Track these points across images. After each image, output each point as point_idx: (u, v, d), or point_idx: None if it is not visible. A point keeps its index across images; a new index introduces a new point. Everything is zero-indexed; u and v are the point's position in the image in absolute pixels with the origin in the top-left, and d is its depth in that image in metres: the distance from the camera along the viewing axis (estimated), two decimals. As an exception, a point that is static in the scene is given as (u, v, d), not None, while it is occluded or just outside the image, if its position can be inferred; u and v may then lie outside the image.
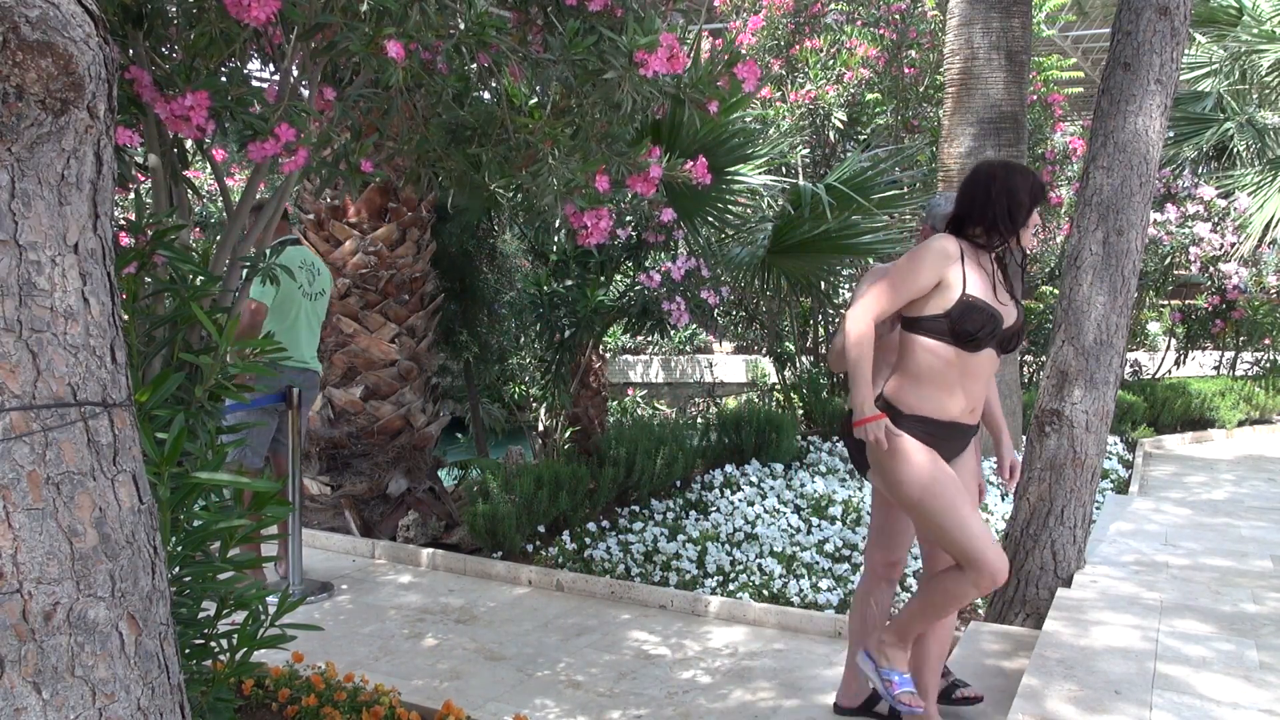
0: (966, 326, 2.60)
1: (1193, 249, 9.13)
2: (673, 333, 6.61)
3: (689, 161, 2.59)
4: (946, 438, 2.68)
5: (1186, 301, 9.88)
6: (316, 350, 4.63)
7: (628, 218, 5.24)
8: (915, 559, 4.74)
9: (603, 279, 5.34)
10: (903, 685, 2.73)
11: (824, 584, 4.38)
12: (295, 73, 2.27)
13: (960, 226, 2.72)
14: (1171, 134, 9.54)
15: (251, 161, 2.06)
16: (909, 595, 4.13)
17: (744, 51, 7.62)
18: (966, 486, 2.77)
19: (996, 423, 3.02)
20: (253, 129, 1.98)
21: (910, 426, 2.64)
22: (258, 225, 2.39)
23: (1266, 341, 9.70)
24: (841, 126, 7.71)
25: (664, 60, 2.17)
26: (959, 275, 2.62)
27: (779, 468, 5.92)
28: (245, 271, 2.35)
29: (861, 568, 4.58)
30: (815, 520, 5.19)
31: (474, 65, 2.33)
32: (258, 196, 2.52)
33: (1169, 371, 9.88)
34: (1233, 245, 9.13)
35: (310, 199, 5.58)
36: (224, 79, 2.06)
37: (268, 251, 2.38)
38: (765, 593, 4.37)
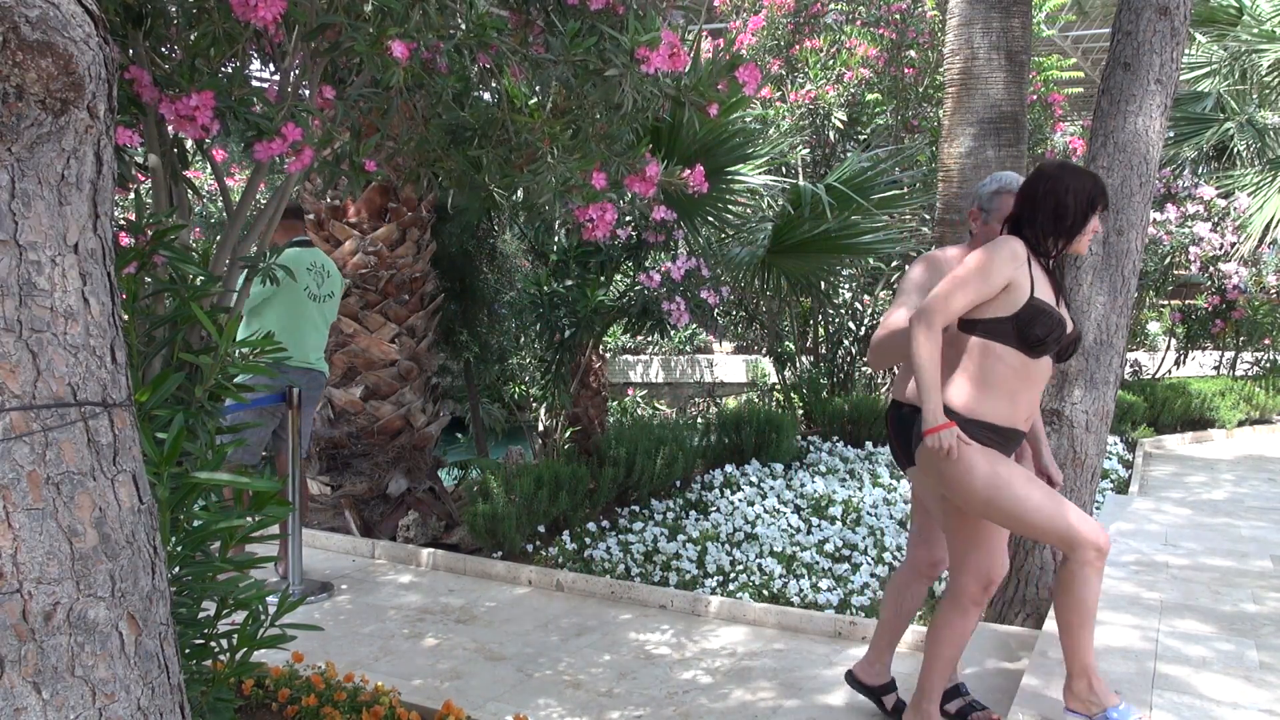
0: (1035, 331, 2.54)
1: (1193, 249, 9.13)
2: (673, 333, 6.62)
3: (686, 170, 2.59)
4: (1003, 444, 2.63)
5: (1186, 301, 9.88)
6: (323, 351, 4.63)
7: (628, 217, 5.25)
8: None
9: (603, 279, 5.35)
10: (1125, 716, 2.63)
11: (824, 584, 4.38)
12: (295, 73, 2.27)
13: (1018, 228, 2.66)
14: (1171, 134, 9.54)
15: (253, 161, 2.06)
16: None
17: (744, 52, 7.63)
18: None
19: (1036, 432, 2.95)
20: (258, 129, 1.98)
21: (973, 432, 2.58)
22: (259, 223, 2.39)
23: (1266, 341, 9.70)
24: (841, 126, 7.72)
25: (665, 57, 2.16)
26: (1027, 278, 2.56)
27: (779, 468, 5.92)
28: (245, 271, 2.35)
29: (874, 560, 4.58)
30: (815, 520, 5.19)
31: (475, 66, 2.33)
32: (258, 198, 2.52)
33: (1169, 371, 9.89)
34: (1233, 245, 9.13)
35: (311, 199, 5.58)
36: (225, 79, 2.06)
37: (267, 252, 2.38)
38: (765, 593, 4.37)
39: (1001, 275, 2.54)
